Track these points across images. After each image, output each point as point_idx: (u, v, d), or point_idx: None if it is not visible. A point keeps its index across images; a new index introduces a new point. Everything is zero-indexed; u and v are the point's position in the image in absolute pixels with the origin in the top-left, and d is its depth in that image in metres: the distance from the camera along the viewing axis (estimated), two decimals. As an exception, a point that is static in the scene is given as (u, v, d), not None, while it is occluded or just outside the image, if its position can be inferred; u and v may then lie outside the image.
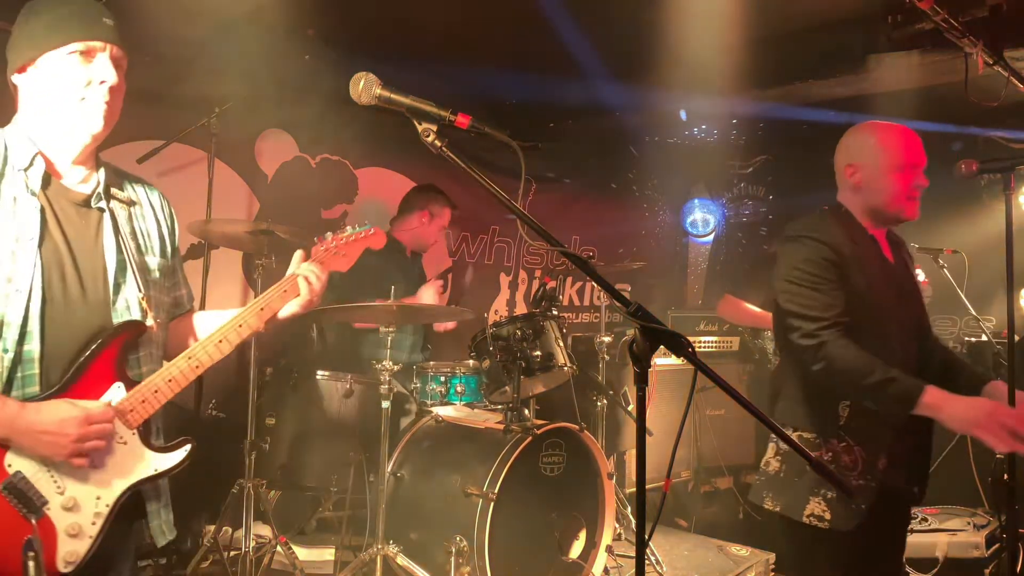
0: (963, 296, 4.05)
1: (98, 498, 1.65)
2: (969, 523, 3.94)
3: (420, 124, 1.53)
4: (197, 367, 1.78)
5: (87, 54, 1.69)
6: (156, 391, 1.72)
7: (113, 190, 1.80)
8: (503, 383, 3.55)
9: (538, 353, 3.52)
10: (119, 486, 1.68)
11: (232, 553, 3.32)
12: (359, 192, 4.95)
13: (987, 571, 3.77)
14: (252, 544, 3.21)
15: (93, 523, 1.64)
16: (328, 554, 3.67)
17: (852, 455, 2.16)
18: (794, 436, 2.24)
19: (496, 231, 5.83)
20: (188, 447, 1.78)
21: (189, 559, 3.39)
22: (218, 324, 1.85)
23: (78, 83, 1.67)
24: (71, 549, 1.60)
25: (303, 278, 1.93)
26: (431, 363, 3.98)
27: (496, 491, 3.09)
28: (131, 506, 1.73)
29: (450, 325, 4.39)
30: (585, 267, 1.61)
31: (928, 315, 2.42)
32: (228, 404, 4.05)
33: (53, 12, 1.70)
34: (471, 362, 3.85)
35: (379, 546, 3.19)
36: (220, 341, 1.81)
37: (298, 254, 1.99)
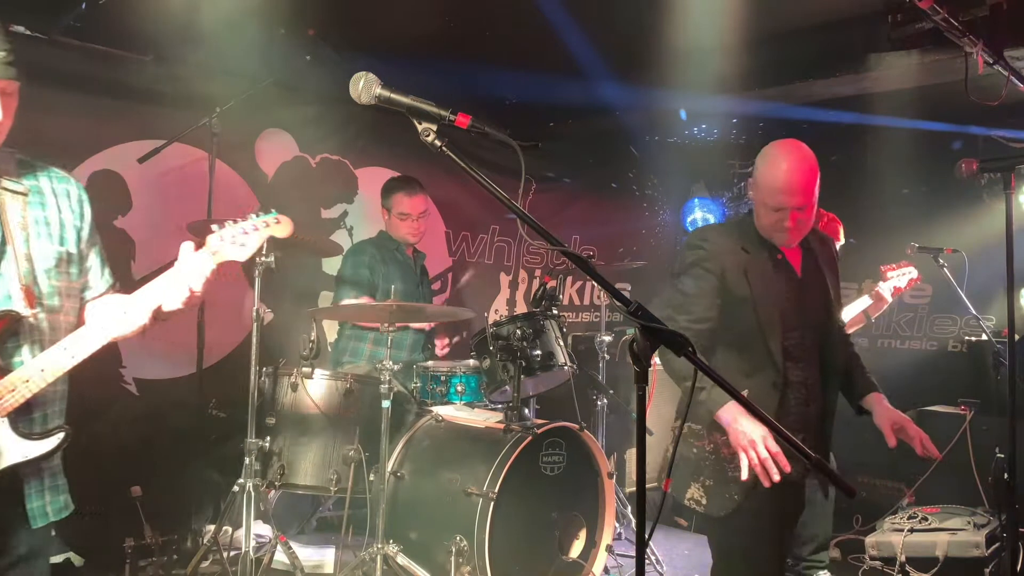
0: (963, 295, 4.05)
1: None
2: (969, 522, 3.94)
3: (420, 124, 1.53)
4: (72, 357, 1.78)
5: None
6: (27, 380, 1.74)
7: (5, 181, 1.81)
8: (503, 382, 3.55)
9: (538, 352, 3.52)
10: None
11: (232, 553, 3.32)
12: (359, 191, 4.95)
13: (987, 570, 3.77)
14: (252, 544, 3.21)
15: None
16: (328, 554, 3.67)
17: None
18: (684, 428, 2.37)
19: (496, 230, 5.83)
20: (61, 435, 1.81)
21: (189, 558, 3.40)
22: (106, 311, 1.86)
23: None
24: None
25: (184, 272, 1.89)
26: (431, 363, 3.98)
27: (496, 490, 3.09)
28: (12, 490, 1.78)
29: (444, 349, 4.38)
30: (585, 266, 1.61)
31: (836, 321, 2.55)
32: (228, 404, 4.06)
33: None
34: (471, 361, 3.85)
35: (379, 545, 3.19)
36: (102, 328, 1.82)
37: (186, 245, 1.92)
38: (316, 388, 3.51)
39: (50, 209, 1.87)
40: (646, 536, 1.55)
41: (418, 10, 3.86)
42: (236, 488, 3.29)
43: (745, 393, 2.22)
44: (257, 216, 2.03)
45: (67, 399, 1.90)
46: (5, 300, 1.75)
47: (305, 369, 3.50)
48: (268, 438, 3.43)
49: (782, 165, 2.35)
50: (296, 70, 4.08)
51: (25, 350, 1.79)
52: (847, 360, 2.57)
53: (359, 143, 4.91)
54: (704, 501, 2.35)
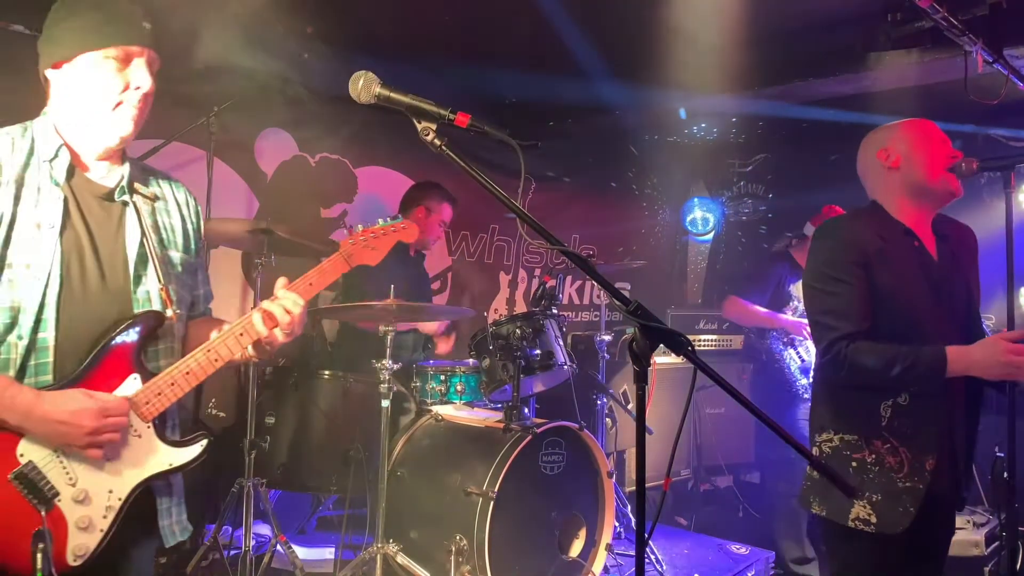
0: (963, 294, 4.05)
1: (110, 491, 1.62)
2: (969, 521, 3.95)
3: (419, 123, 1.53)
4: (216, 360, 1.74)
5: (124, 59, 1.68)
6: (173, 383, 1.69)
7: (137, 185, 1.78)
8: (503, 382, 3.55)
9: (538, 352, 3.52)
10: (131, 480, 1.65)
11: (232, 552, 3.32)
12: (359, 191, 4.94)
13: (987, 569, 3.77)
14: (252, 543, 3.21)
15: (104, 516, 1.61)
16: (328, 553, 3.67)
17: (897, 456, 2.10)
18: (835, 439, 2.21)
19: (496, 230, 5.83)
20: (204, 442, 1.74)
21: (189, 558, 3.40)
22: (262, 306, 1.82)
23: (114, 88, 1.67)
24: (81, 542, 1.58)
25: (283, 308, 1.79)
26: (431, 362, 3.98)
27: (496, 490, 3.09)
28: (147, 504, 1.72)
29: (448, 347, 4.38)
30: (585, 266, 1.61)
31: (978, 317, 2.36)
32: (228, 403, 4.06)
33: (95, 12, 1.68)
34: (471, 361, 3.85)
35: (379, 545, 3.19)
36: (240, 334, 1.76)
37: (281, 280, 1.85)
38: (316, 387, 3.51)
39: (174, 216, 1.87)
40: (646, 535, 1.54)
41: (418, 9, 3.86)
42: (236, 488, 3.29)
43: (907, 395, 2.11)
44: (385, 221, 2.08)
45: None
46: (145, 302, 1.72)
47: (305, 369, 3.50)
48: (268, 437, 3.43)
49: (908, 120, 2.35)
50: (295, 69, 4.07)
51: (163, 353, 1.76)
52: None
53: (358, 142, 4.90)
54: (874, 519, 2.09)
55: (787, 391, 4.15)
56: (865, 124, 2.44)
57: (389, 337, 3.35)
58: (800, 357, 4.19)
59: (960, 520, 3.96)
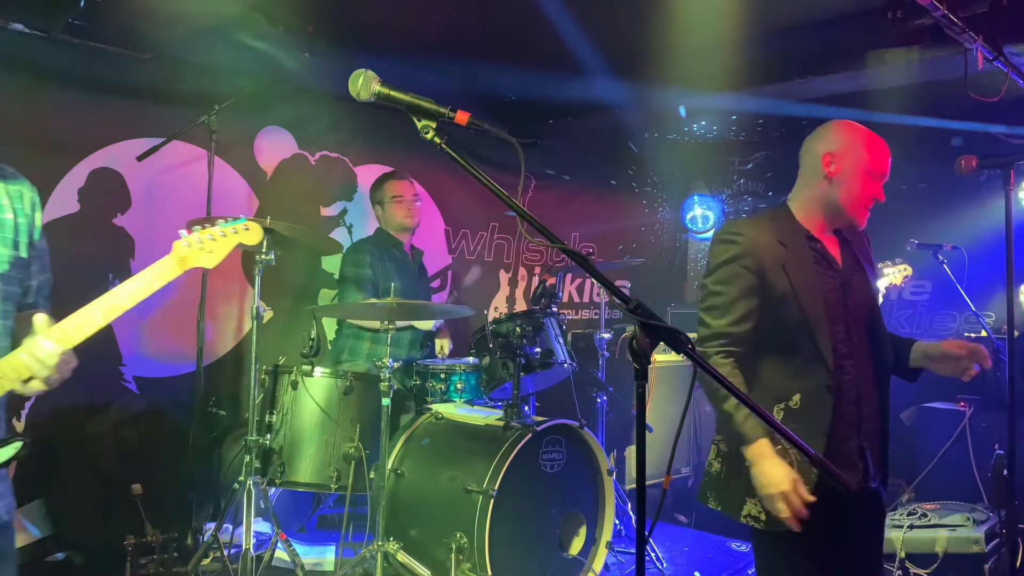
0: (963, 292, 4.06)
1: None
2: (969, 519, 3.94)
3: (419, 121, 1.53)
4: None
5: None
6: None
7: None
8: (503, 380, 3.55)
9: (538, 350, 3.52)
10: None
11: (233, 550, 3.33)
12: (358, 189, 4.94)
13: (987, 567, 3.77)
14: (253, 541, 3.22)
15: None
16: (329, 551, 3.68)
17: (787, 457, 2.13)
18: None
19: (496, 228, 5.83)
20: (17, 444, 1.74)
21: (190, 556, 3.40)
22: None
23: None
24: None
25: (148, 280, 1.79)
26: (430, 360, 3.98)
27: (496, 488, 3.09)
28: None
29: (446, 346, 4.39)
30: (585, 264, 1.61)
31: (880, 316, 2.40)
32: (228, 401, 4.06)
33: None
34: (471, 359, 3.85)
35: (379, 543, 3.19)
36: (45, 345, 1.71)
37: (40, 317, 1.74)
38: (316, 386, 3.51)
39: (4, 211, 1.81)
40: (646, 533, 1.55)
41: (418, 7, 3.86)
42: (237, 486, 3.29)
43: (797, 398, 2.16)
44: (225, 222, 1.98)
45: (6, 408, 1.81)
46: None
47: (305, 367, 3.51)
48: (268, 436, 3.43)
49: (873, 135, 2.31)
50: (295, 67, 4.07)
51: None
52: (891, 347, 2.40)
53: (358, 140, 4.90)
54: (763, 517, 2.14)
55: None
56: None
57: (389, 335, 3.36)
58: None
59: (960, 517, 3.96)
